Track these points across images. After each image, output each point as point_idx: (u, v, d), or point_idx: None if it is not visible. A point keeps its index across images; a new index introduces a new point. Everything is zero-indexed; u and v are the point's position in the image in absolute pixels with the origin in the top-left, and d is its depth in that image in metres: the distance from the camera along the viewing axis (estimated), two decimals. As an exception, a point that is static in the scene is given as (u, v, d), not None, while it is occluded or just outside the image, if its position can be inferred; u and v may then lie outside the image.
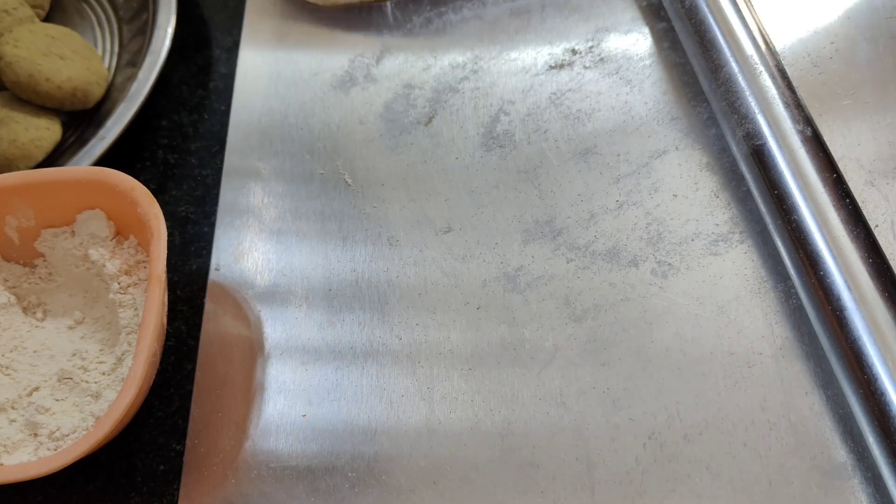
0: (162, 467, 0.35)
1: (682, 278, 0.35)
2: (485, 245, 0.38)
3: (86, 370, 0.35)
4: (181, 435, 0.35)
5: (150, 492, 0.34)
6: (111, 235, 0.36)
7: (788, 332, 0.33)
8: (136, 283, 0.36)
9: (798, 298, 0.34)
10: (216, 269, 0.39)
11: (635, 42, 0.42)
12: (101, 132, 0.40)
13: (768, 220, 0.34)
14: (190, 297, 0.39)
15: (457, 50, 0.44)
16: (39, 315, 0.37)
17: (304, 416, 0.35)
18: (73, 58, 0.42)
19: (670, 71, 0.41)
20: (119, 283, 0.35)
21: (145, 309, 0.32)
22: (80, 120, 0.44)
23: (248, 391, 0.36)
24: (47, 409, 0.33)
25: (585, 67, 0.42)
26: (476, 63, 0.43)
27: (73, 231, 0.37)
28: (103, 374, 0.35)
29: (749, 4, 0.38)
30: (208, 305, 0.38)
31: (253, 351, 0.37)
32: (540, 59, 0.42)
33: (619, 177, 0.38)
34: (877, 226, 0.34)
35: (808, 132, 0.33)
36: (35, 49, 0.41)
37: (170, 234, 0.41)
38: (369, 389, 0.35)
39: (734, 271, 0.35)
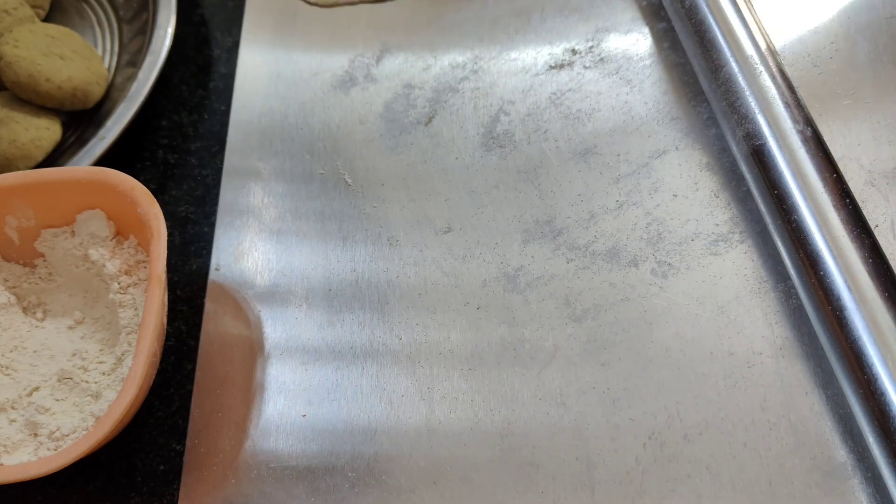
0: (162, 467, 0.35)
1: (682, 278, 0.35)
2: (485, 245, 0.38)
3: (86, 370, 0.35)
4: (181, 435, 0.35)
5: (150, 492, 0.34)
6: (111, 235, 0.36)
7: (788, 332, 0.33)
8: (136, 283, 0.36)
9: (798, 298, 0.34)
10: (216, 269, 0.39)
11: (635, 42, 0.42)
12: (101, 132, 0.40)
13: (768, 220, 0.34)
14: (190, 297, 0.39)
15: (457, 50, 0.44)
16: (39, 315, 0.37)
17: (304, 416, 0.35)
18: (73, 58, 0.42)
19: (670, 71, 0.41)
20: (119, 283, 0.35)
21: (145, 309, 0.32)
22: (80, 120, 0.44)
23: (248, 391, 0.36)
24: (47, 409, 0.33)
25: (585, 67, 0.42)
26: (476, 63, 0.43)
27: (73, 231, 0.37)
28: (103, 374, 0.35)
29: (749, 4, 0.38)
30: (208, 305, 0.38)
31: (253, 351, 0.37)
32: (540, 59, 0.42)
33: (619, 177, 0.38)
34: (877, 226, 0.34)
35: (808, 132, 0.33)
36: (35, 49, 0.41)
37: (170, 234, 0.41)
38: (369, 389, 0.35)
39: (734, 271, 0.35)
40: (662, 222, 0.37)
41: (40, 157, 0.41)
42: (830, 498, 0.30)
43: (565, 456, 0.32)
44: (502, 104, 0.41)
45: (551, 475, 0.32)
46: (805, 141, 0.33)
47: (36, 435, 0.33)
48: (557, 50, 0.42)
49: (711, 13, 0.37)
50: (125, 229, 0.36)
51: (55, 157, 0.42)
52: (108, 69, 0.46)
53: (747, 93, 0.35)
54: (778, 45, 0.40)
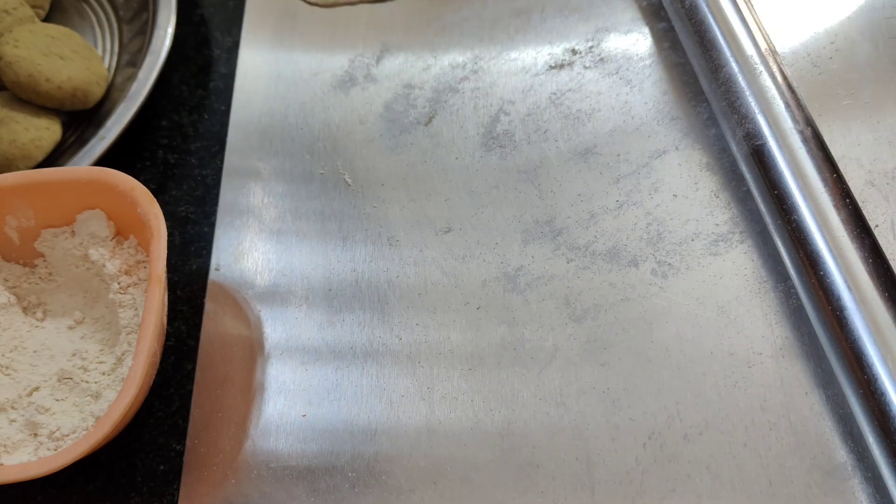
0: (162, 467, 0.35)
1: (682, 278, 0.35)
2: (485, 245, 0.38)
3: (86, 370, 0.35)
4: (181, 435, 0.35)
5: (150, 492, 0.34)
6: (111, 235, 0.36)
7: (788, 332, 0.33)
8: (136, 283, 0.36)
9: (798, 298, 0.34)
10: (216, 269, 0.39)
11: (635, 42, 0.42)
12: (101, 132, 0.40)
13: (768, 220, 0.34)
14: (190, 297, 0.39)
15: (457, 50, 0.44)
16: (39, 315, 0.37)
17: (304, 416, 0.35)
18: (73, 58, 0.42)
19: (670, 71, 0.41)
20: (119, 283, 0.35)
21: (145, 309, 0.32)
22: (80, 120, 0.44)
23: (248, 391, 0.36)
24: (47, 409, 0.33)
25: (585, 67, 0.42)
26: (476, 63, 0.43)
27: (73, 231, 0.37)
28: (103, 374, 0.35)
29: (749, 4, 0.38)
30: (208, 305, 0.38)
31: (253, 351, 0.37)
32: (540, 59, 0.42)
33: (619, 177, 0.38)
34: (877, 226, 0.34)
35: (808, 132, 0.33)
36: (35, 49, 0.41)
37: (170, 234, 0.41)
38: (369, 389, 0.35)
39: (734, 271, 0.35)
40: (662, 222, 0.37)
41: (40, 157, 0.41)
42: (830, 498, 0.30)
43: (565, 456, 0.32)
44: (502, 104, 0.41)
45: (551, 475, 0.32)
46: (805, 141, 0.33)
47: (36, 435, 0.33)
48: (557, 50, 0.42)
49: (711, 13, 0.37)
50: (125, 229, 0.36)
51: (55, 157, 0.42)
52: (108, 69, 0.46)
53: (747, 93, 0.35)
54: (778, 45, 0.40)
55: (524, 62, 0.42)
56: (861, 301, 0.30)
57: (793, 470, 0.31)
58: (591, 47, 0.42)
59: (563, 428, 0.33)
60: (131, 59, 0.45)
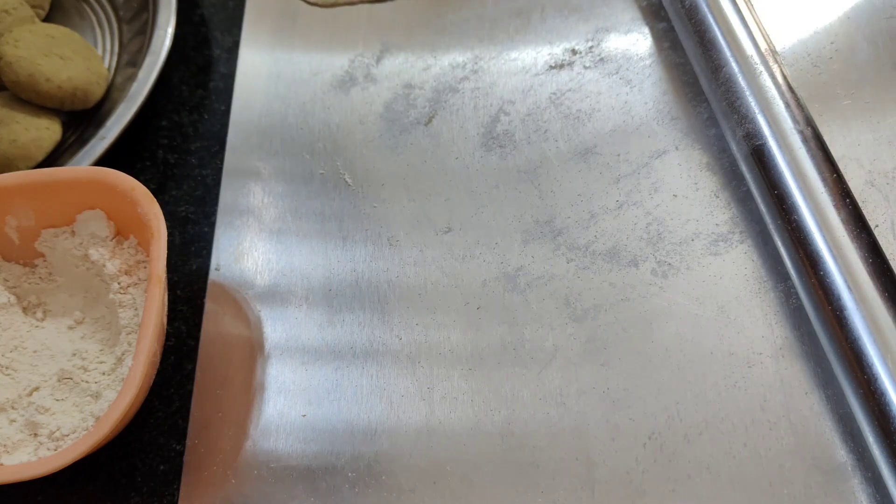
0: (162, 467, 0.35)
1: (682, 278, 0.35)
2: (485, 245, 0.38)
3: (86, 370, 0.35)
4: (181, 435, 0.35)
5: (150, 492, 0.34)
6: (111, 235, 0.36)
7: (788, 332, 0.33)
8: (136, 283, 0.36)
9: (798, 298, 0.34)
10: (216, 269, 0.39)
11: (635, 42, 0.42)
12: (101, 132, 0.40)
13: (768, 220, 0.34)
14: (190, 297, 0.39)
15: (457, 50, 0.44)
16: (39, 315, 0.37)
17: (304, 416, 0.35)
18: (73, 58, 0.42)
19: (670, 71, 0.41)
20: (119, 283, 0.35)
21: (145, 309, 0.32)
22: (80, 120, 0.44)
23: (248, 391, 0.36)
24: (47, 409, 0.33)
25: (585, 67, 0.42)
26: (476, 63, 0.43)
27: (73, 231, 0.37)
28: (103, 374, 0.35)
29: (749, 4, 0.38)
30: (208, 305, 0.38)
31: (253, 351, 0.37)
32: (540, 59, 0.42)
33: (619, 177, 0.38)
34: (877, 226, 0.34)
35: (808, 132, 0.33)
36: (35, 49, 0.41)
37: (170, 234, 0.41)
38: (369, 389, 0.35)
39: (734, 271, 0.35)
40: (662, 222, 0.37)
41: (40, 157, 0.41)
42: (830, 498, 0.30)
43: (565, 456, 0.32)
44: (502, 104, 0.41)
45: (551, 475, 0.32)
46: (805, 141, 0.33)
47: (36, 435, 0.33)
48: (557, 50, 0.42)
49: (711, 13, 0.37)
50: (125, 229, 0.36)
51: (55, 157, 0.42)
52: (108, 69, 0.46)
53: (747, 93, 0.35)
54: (778, 45, 0.40)
55: (524, 62, 0.42)
56: (861, 301, 0.30)
57: (793, 470, 0.31)
58: (591, 47, 0.42)
59: (563, 428, 0.33)
60: (131, 59, 0.45)
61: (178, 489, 0.34)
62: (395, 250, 0.38)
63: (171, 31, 0.44)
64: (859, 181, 0.36)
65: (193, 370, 0.37)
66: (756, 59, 0.36)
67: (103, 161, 0.40)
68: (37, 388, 0.35)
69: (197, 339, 0.38)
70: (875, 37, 0.39)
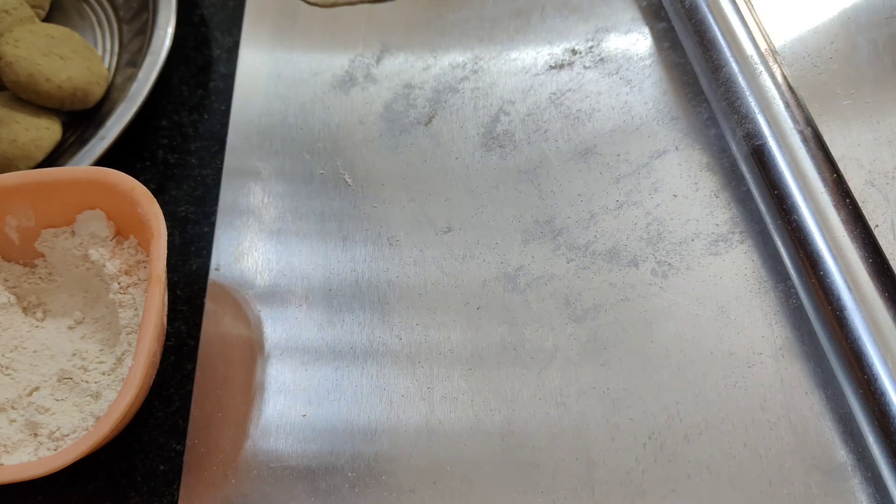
0: (162, 467, 0.35)
1: (682, 278, 0.35)
2: (485, 245, 0.38)
3: (86, 370, 0.35)
4: (181, 435, 0.35)
5: (150, 492, 0.34)
6: (111, 235, 0.36)
7: (788, 332, 0.33)
8: (136, 283, 0.36)
9: (798, 298, 0.34)
10: (216, 269, 0.39)
11: (635, 42, 0.42)
12: (101, 132, 0.40)
13: (768, 220, 0.34)
14: (190, 297, 0.39)
15: (457, 50, 0.44)
16: (39, 315, 0.37)
17: (304, 416, 0.35)
18: (73, 58, 0.42)
19: (670, 71, 0.41)
20: (119, 283, 0.35)
21: (145, 309, 0.32)
22: (80, 120, 0.44)
23: (248, 391, 0.36)
24: (47, 409, 0.33)
25: (585, 67, 0.42)
26: (476, 63, 0.43)
27: (73, 231, 0.37)
28: (103, 374, 0.35)
29: (749, 4, 0.38)
30: (208, 305, 0.38)
31: (253, 351, 0.37)
32: (540, 59, 0.42)
33: (619, 177, 0.38)
34: (877, 226, 0.34)
35: (808, 132, 0.33)
36: (35, 49, 0.41)
37: (170, 234, 0.41)
38: (369, 389, 0.35)
39: (734, 271, 0.35)
40: (662, 222, 0.37)
41: (40, 157, 0.41)
42: (830, 498, 0.30)
43: (565, 456, 0.32)
44: (502, 104, 0.41)
45: (551, 475, 0.32)
46: (805, 141, 0.33)
47: (36, 435, 0.33)
48: (557, 50, 0.42)
49: (711, 13, 0.37)
50: (125, 229, 0.36)
51: (55, 157, 0.42)
52: (108, 69, 0.46)
53: (747, 93, 0.35)
54: (778, 45, 0.40)
55: (524, 62, 0.42)
56: (861, 301, 0.30)
57: (793, 470, 0.31)
58: (591, 47, 0.42)
59: (563, 428, 0.33)
60: (131, 59, 0.45)
61: (178, 489, 0.34)
62: (395, 250, 0.38)
63: (171, 31, 0.44)
64: (859, 181, 0.36)
65: (193, 370, 0.37)
66: (756, 59, 0.36)
67: (103, 161, 0.40)
68: (37, 388, 0.35)
69: (197, 339, 0.38)
70: (875, 37, 0.39)
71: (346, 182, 0.41)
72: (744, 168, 0.35)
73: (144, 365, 0.30)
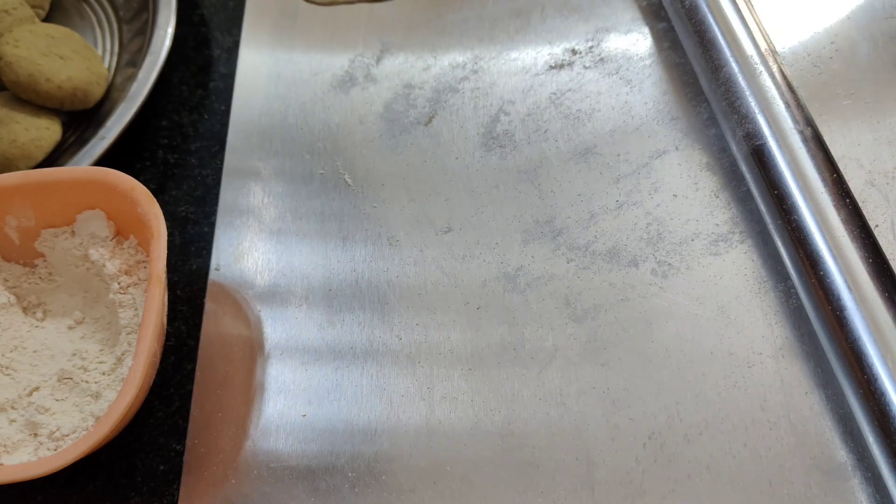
0: (162, 467, 0.35)
1: (682, 278, 0.35)
2: (485, 245, 0.38)
3: (86, 370, 0.35)
4: (181, 435, 0.35)
5: (150, 492, 0.34)
6: (111, 235, 0.36)
7: (788, 332, 0.33)
8: (136, 283, 0.36)
9: (798, 298, 0.34)
10: (216, 269, 0.39)
11: (635, 42, 0.42)
12: (101, 132, 0.40)
13: (768, 220, 0.34)
14: (190, 297, 0.39)
15: (457, 50, 0.44)
16: (39, 315, 0.37)
17: (304, 416, 0.35)
18: (73, 58, 0.42)
19: (670, 71, 0.41)
20: (119, 283, 0.35)
21: (145, 309, 0.32)
22: (80, 120, 0.44)
23: (248, 391, 0.36)
24: (47, 409, 0.33)
25: (585, 67, 0.42)
26: (476, 63, 0.43)
27: (73, 231, 0.37)
28: (103, 374, 0.35)
29: (749, 4, 0.38)
30: (208, 305, 0.38)
31: (253, 351, 0.37)
32: (540, 59, 0.42)
33: (619, 177, 0.38)
34: (877, 226, 0.34)
35: (808, 132, 0.33)
36: (35, 49, 0.41)
37: (170, 234, 0.41)
38: (369, 389, 0.35)
39: (734, 271, 0.35)
40: (662, 222, 0.37)
41: (40, 157, 0.41)
42: (830, 498, 0.30)
43: (565, 456, 0.32)
44: (502, 104, 0.41)
45: (551, 475, 0.32)
46: (805, 141, 0.33)
47: (36, 435, 0.33)
48: (557, 50, 0.42)
49: (711, 13, 0.37)
50: (125, 229, 0.36)
51: (55, 157, 0.42)
52: (108, 69, 0.46)
53: (747, 93, 0.35)
54: (778, 45, 0.40)
55: (524, 62, 0.42)
56: (861, 301, 0.30)
57: (793, 470, 0.31)
58: (591, 47, 0.42)
59: (563, 428, 0.33)
60: (131, 59, 0.45)
61: (178, 489, 0.34)
62: (395, 250, 0.38)
63: (171, 31, 0.44)
64: (859, 181, 0.36)
65: (193, 370, 0.37)
66: (756, 59, 0.36)
67: (103, 161, 0.40)
68: (37, 388, 0.35)
69: (197, 339, 0.38)
70: (875, 37, 0.39)
71: (346, 182, 0.41)
72: (744, 168, 0.35)
73: (144, 365, 0.30)
